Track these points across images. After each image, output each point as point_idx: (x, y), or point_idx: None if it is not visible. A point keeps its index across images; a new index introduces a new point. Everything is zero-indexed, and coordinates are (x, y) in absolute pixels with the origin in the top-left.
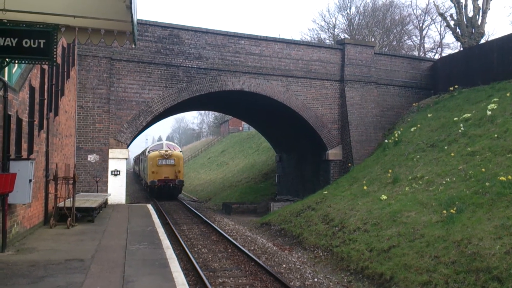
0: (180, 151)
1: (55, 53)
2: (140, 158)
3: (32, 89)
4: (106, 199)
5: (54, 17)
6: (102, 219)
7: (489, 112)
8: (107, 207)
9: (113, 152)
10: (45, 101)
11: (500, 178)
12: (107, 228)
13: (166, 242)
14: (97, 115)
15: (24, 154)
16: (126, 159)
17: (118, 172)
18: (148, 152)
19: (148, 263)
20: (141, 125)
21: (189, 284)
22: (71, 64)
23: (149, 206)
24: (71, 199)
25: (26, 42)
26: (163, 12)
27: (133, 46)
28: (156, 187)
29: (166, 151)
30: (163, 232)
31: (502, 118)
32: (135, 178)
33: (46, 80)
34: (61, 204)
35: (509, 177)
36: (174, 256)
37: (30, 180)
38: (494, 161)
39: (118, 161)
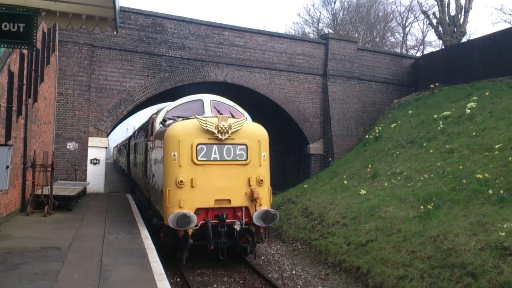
0: (255, 122)
1: (35, 37)
2: (134, 144)
3: (11, 74)
4: (85, 187)
5: (35, 1)
6: (80, 208)
7: (468, 111)
8: (86, 195)
9: (92, 141)
10: (24, 87)
11: (477, 176)
12: (85, 217)
13: (144, 232)
14: (77, 102)
15: (2, 140)
16: (106, 148)
17: (97, 161)
18: (162, 123)
19: (126, 253)
20: (122, 114)
21: (167, 274)
22: (51, 49)
23: (129, 196)
24: (49, 186)
25: (5, 26)
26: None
27: (115, 33)
28: (189, 234)
29: (220, 120)
30: (142, 222)
31: (481, 116)
32: (115, 167)
33: (25, 65)
34: (38, 192)
35: (486, 175)
36: (152, 246)
37: (8, 167)
38: (472, 158)
39: (98, 149)
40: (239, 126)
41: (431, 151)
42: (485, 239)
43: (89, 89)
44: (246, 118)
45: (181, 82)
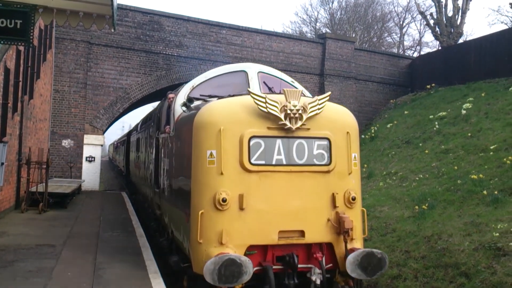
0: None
1: (31, 34)
2: (135, 140)
3: (7, 71)
4: (80, 185)
5: None
6: (75, 206)
7: (464, 111)
8: (81, 193)
9: (88, 138)
10: (20, 84)
11: (472, 176)
12: (80, 215)
13: (139, 231)
14: (73, 99)
15: None
16: (102, 145)
17: (92, 159)
18: (186, 105)
19: (120, 251)
20: (118, 111)
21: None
22: (48, 46)
23: (124, 194)
24: (44, 184)
25: (2, 22)
26: None
27: (112, 31)
28: None
29: (289, 96)
30: (137, 221)
31: (476, 117)
32: (111, 165)
33: (21, 62)
34: (33, 189)
35: (481, 175)
36: (147, 244)
37: (2, 163)
38: (467, 159)
39: (93, 147)
40: (318, 109)
41: (427, 151)
42: (479, 240)
43: (85, 86)
44: (328, 96)
45: (178, 80)
